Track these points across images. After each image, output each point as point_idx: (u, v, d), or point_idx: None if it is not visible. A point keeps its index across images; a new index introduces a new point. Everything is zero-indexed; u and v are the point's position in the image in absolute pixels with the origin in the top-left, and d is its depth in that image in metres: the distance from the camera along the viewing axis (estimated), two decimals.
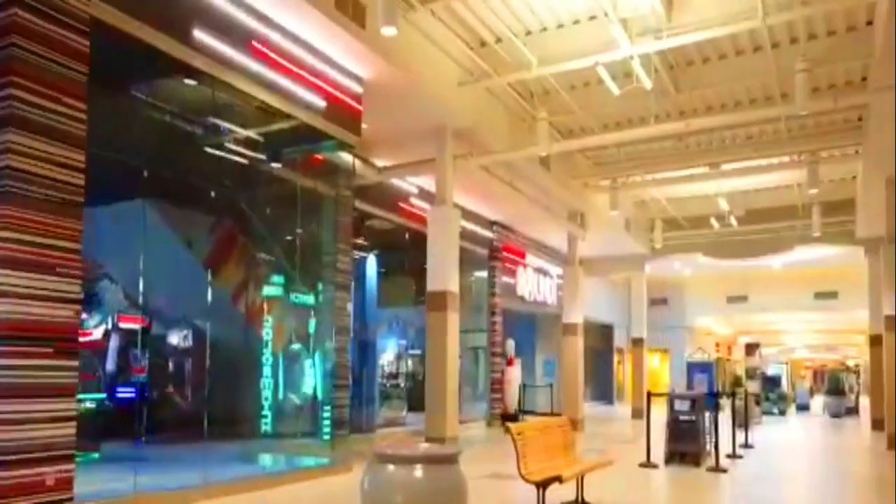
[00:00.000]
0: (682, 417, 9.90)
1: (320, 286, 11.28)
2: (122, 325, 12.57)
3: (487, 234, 16.71)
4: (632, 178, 14.90)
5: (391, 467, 4.10)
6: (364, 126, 10.35)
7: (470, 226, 15.96)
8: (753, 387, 19.57)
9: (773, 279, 24.88)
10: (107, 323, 13.98)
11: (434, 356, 10.18)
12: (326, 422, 10.05)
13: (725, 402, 16.77)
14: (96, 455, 9.51)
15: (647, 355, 31.70)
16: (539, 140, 10.39)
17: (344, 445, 11.06)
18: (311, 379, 11.21)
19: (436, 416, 10.04)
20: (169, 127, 9.60)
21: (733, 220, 17.23)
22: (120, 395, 11.88)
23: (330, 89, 8.67)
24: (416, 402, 20.90)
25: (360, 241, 13.56)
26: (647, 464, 9.41)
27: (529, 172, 12.73)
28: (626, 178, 14.83)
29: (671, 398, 9.94)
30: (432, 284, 10.27)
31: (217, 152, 9.89)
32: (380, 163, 11.66)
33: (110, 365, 12.16)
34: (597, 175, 14.59)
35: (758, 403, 19.18)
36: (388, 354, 19.24)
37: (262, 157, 9.86)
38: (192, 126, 9.81)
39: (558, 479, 5.58)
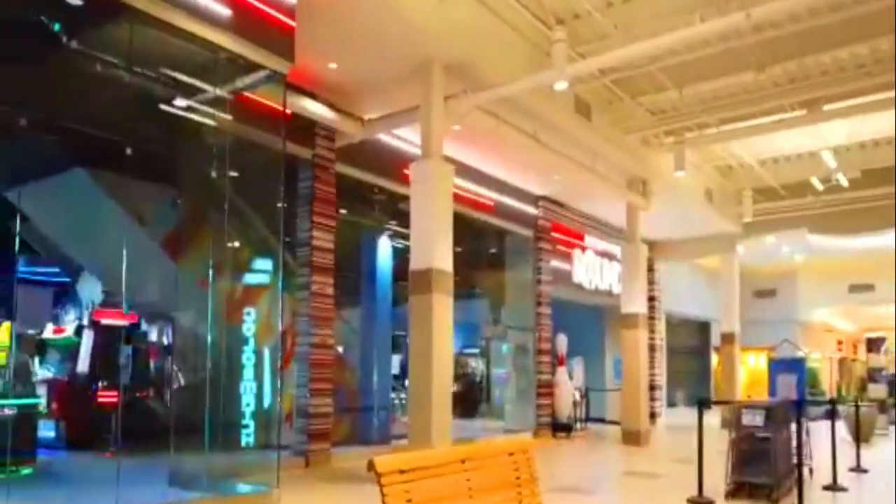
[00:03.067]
0: (755, 434, 7.13)
1: (295, 270, 9.36)
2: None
3: (531, 210, 14.23)
4: (703, 131, 11.94)
5: None
6: (332, 66, 8.35)
7: (510, 201, 13.59)
8: (878, 391, 15.83)
9: None
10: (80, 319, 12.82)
11: (417, 350, 7.96)
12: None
13: (846, 410, 13.52)
14: (28, 471, 8.15)
15: (747, 354, 28.16)
16: (554, 63, 7.93)
17: (323, 464, 9.08)
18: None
19: (420, 426, 7.82)
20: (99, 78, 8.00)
21: (842, 180, 13.70)
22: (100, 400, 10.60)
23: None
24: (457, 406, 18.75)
25: (358, 215, 11.55)
26: (699, 500, 6.74)
27: (561, 122, 10.20)
28: (694, 131, 11.90)
29: (737, 409, 7.17)
30: (415, 260, 8.05)
31: (150, 104, 8.17)
32: (369, 117, 9.58)
33: (82, 366, 10.85)
34: (656, 127, 11.75)
35: (883, 411, 15.47)
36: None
37: (195, 104, 8.02)
38: (119, 73, 8.15)
39: None
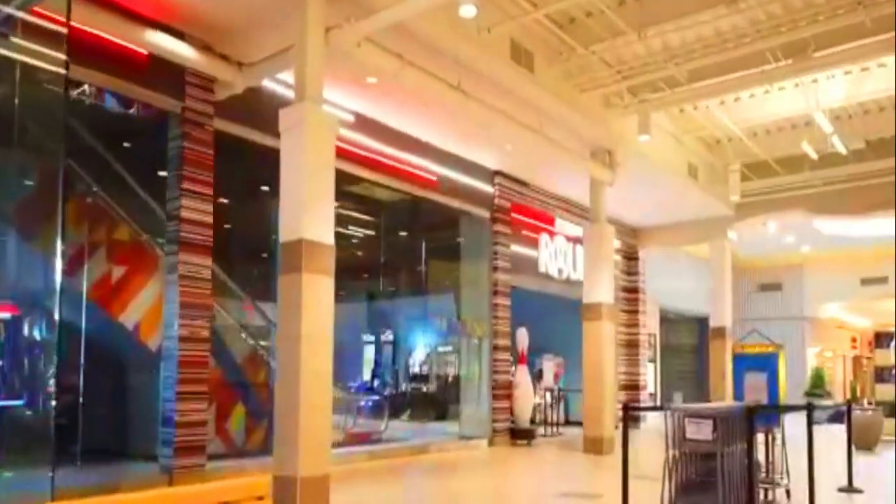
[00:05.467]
0: (701, 451, 5.44)
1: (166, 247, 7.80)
2: None
3: (487, 188, 12.57)
4: (674, 89, 10.20)
5: None
6: None
7: (460, 177, 11.96)
8: (886, 392, 14.00)
9: None
10: None
11: (285, 345, 6.35)
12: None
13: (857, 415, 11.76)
14: None
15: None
16: None
17: (196, 482, 7.48)
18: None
19: (287, 439, 6.20)
20: None
21: (839, 145, 11.88)
22: None
23: None
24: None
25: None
26: None
27: (492, 71, 8.55)
28: (664, 91, 10.16)
29: (676, 416, 5.48)
30: (285, 230, 6.44)
31: None
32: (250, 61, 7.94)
33: None
34: (617, 83, 10.02)
35: (893, 414, 13.64)
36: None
37: None
38: None
39: None
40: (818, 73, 10.18)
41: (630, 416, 6.32)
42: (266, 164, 7.34)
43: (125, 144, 8.74)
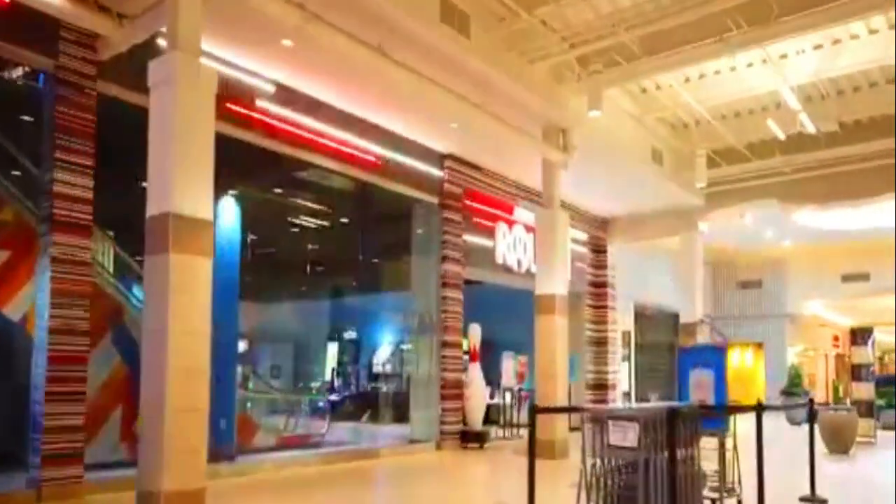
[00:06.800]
0: (625, 461, 4.57)
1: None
2: None
3: (436, 171, 11.67)
4: (631, 63, 9.33)
5: None
6: None
7: (404, 159, 11.06)
8: (862, 391, 13.21)
9: None
10: None
11: (151, 339, 5.42)
12: None
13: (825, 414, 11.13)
14: None
15: (731, 350, 25.56)
16: None
17: (69, 498, 6.54)
18: None
19: (151, 455, 5.27)
20: None
21: (808, 124, 11.05)
22: None
23: None
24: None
25: None
26: None
27: (419, 32, 7.64)
28: (620, 66, 9.27)
29: (600, 420, 4.58)
30: (151, 204, 5.51)
31: None
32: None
33: None
34: (566, 53, 9.13)
35: (870, 414, 12.87)
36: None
37: None
38: None
39: None
40: (785, 44, 9.38)
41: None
42: None
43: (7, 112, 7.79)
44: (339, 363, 20.17)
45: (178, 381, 5.29)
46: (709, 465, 5.84)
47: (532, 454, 4.38)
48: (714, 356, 5.65)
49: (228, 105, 8.17)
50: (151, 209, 5.48)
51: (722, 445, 5.73)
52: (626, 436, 4.57)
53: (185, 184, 5.43)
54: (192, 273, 5.45)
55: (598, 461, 4.67)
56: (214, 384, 9.10)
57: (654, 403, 6.12)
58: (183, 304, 5.33)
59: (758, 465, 5.20)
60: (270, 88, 8.68)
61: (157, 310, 5.36)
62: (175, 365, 5.28)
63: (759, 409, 5.17)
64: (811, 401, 7.14)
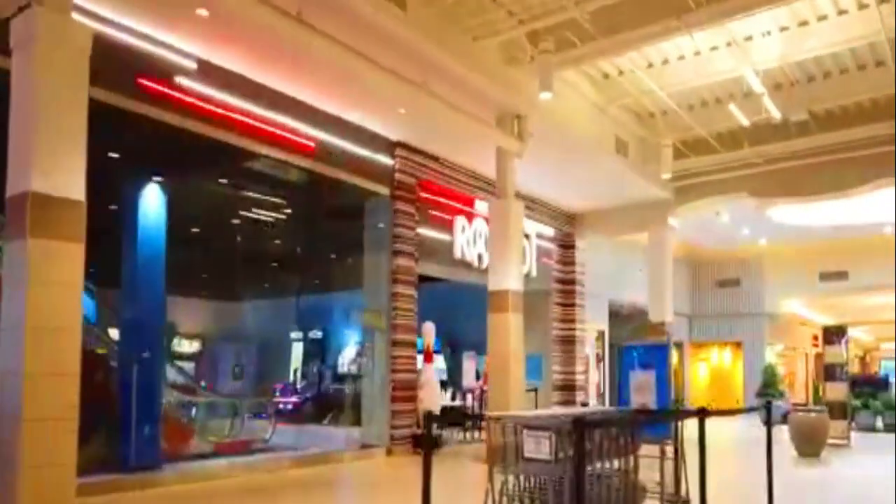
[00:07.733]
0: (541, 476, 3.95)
1: None
2: None
3: (386, 160, 11.00)
4: (586, 44, 8.70)
5: None
6: None
7: (348, 145, 10.38)
8: (836, 391, 12.71)
9: (884, 247, 17.39)
10: None
11: (8, 333, 4.72)
12: None
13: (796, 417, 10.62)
14: None
15: (710, 350, 25.15)
16: None
17: None
18: None
19: (6, 472, 4.57)
20: None
21: (771, 108, 10.48)
22: None
23: None
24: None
25: None
26: None
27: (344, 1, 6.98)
28: (577, 48, 8.62)
29: (507, 428, 3.94)
30: (11, 182, 4.81)
31: None
32: None
33: None
34: (514, 29, 8.48)
35: (843, 416, 12.38)
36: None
37: None
38: None
39: None
40: (750, 26, 8.82)
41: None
42: None
43: None
44: (304, 363, 19.49)
45: (38, 388, 4.59)
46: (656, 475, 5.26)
47: (427, 463, 3.72)
48: (656, 354, 5.04)
49: (141, 80, 7.47)
50: (10, 188, 4.77)
51: (663, 453, 5.13)
52: (541, 447, 3.94)
53: (50, 159, 4.73)
54: (58, 261, 4.75)
55: (510, 477, 4.04)
56: (137, 386, 8.49)
57: (574, 410, 5.49)
58: (42, 298, 4.63)
59: (700, 477, 4.59)
60: (192, 65, 7.97)
61: (13, 304, 4.66)
62: (35, 371, 4.57)
63: (703, 414, 4.55)
64: (769, 402, 6.55)
